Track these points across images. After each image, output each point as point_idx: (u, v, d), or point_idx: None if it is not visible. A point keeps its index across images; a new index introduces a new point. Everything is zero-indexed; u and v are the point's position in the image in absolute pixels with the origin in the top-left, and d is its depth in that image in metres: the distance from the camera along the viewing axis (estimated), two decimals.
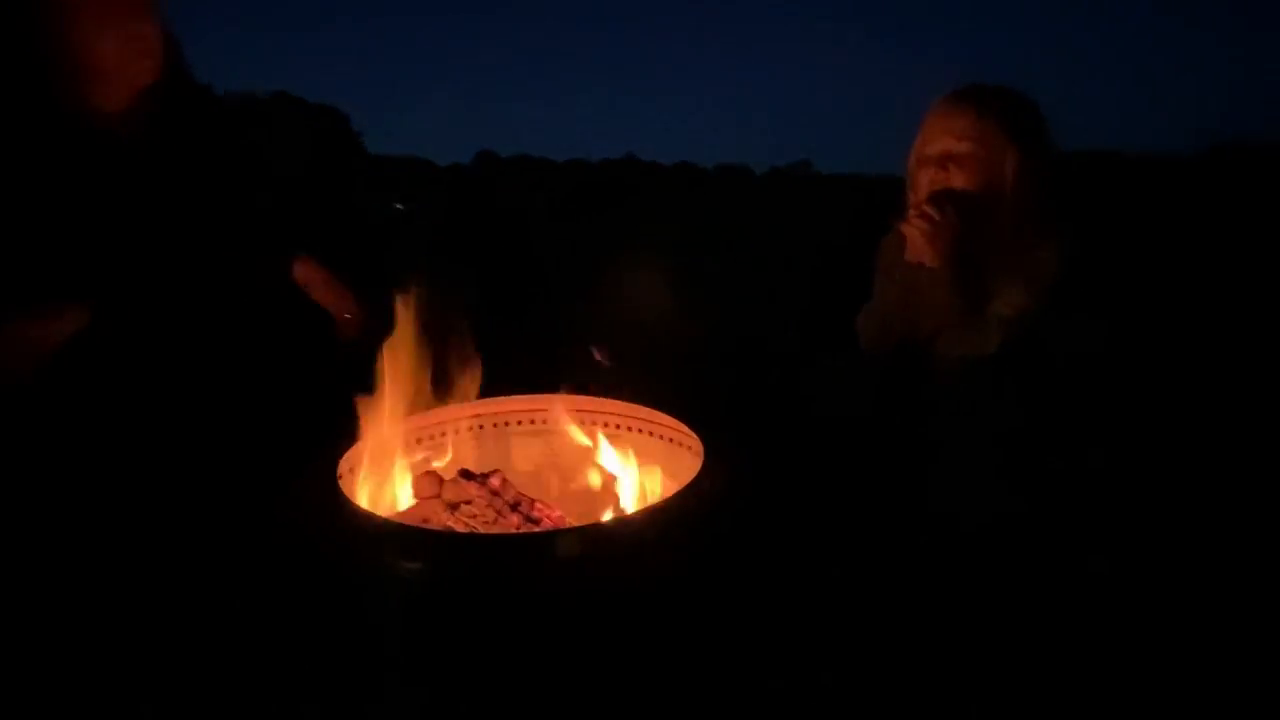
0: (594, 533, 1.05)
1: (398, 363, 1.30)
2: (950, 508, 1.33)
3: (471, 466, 1.32)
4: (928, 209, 1.42)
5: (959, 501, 1.33)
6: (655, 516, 1.04)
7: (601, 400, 1.46)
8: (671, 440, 1.36)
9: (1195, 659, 1.12)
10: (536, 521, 1.21)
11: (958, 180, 1.43)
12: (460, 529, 1.16)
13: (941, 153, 1.45)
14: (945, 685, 1.06)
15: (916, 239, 1.44)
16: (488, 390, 1.49)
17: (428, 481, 1.23)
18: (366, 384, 1.26)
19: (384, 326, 1.30)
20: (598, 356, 1.32)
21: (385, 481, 1.28)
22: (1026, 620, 1.16)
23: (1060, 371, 1.37)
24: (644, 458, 1.40)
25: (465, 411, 1.47)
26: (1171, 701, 1.07)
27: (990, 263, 1.44)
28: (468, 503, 1.20)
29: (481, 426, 1.49)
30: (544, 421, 1.50)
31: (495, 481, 1.24)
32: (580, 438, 1.41)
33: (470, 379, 1.42)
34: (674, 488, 1.12)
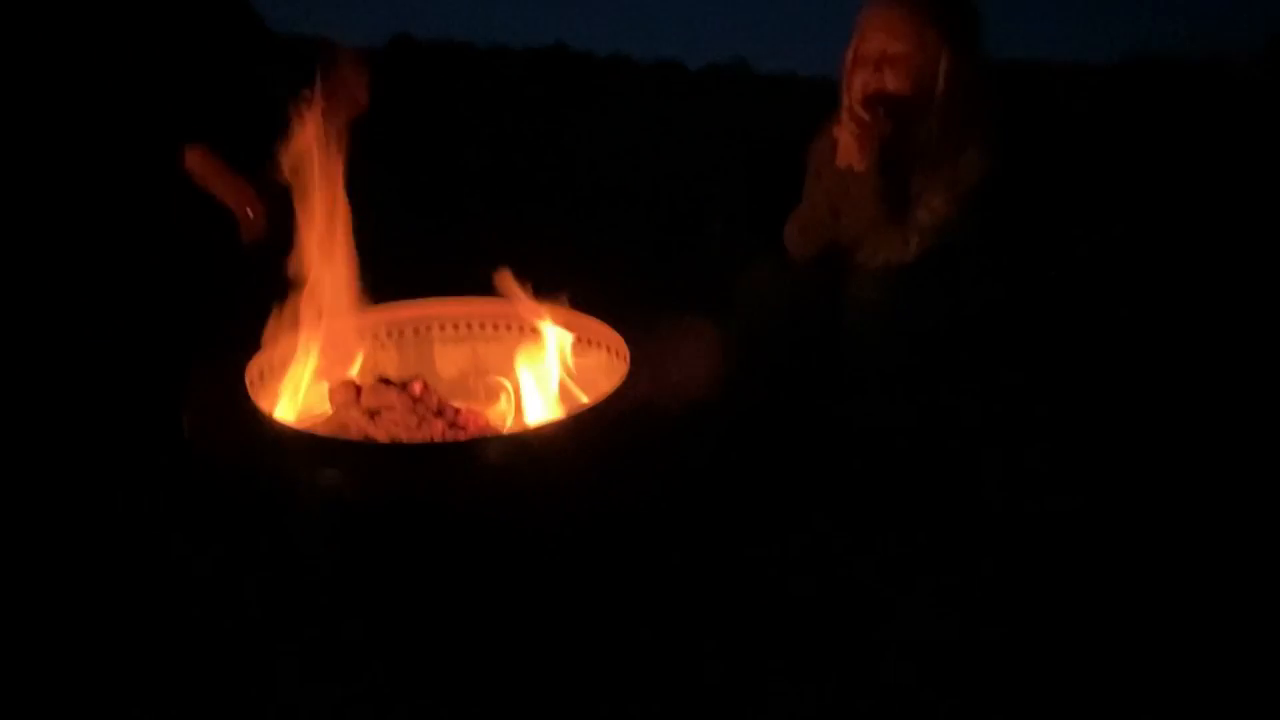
0: (520, 439, 1.04)
1: (308, 262, 1.21)
2: (861, 407, 1.39)
3: (392, 373, 1.28)
4: (859, 112, 1.41)
5: (869, 401, 1.39)
6: (581, 422, 1.04)
7: (530, 304, 1.43)
8: (599, 345, 1.35)
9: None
10: (461, 428, 1.19)
11: (891, 82, 1.43)
12: (381, 437, 1.13)
13: (877, 53, 1.44)
14: (871, 590, 1.11)
15: (848, 143, 1.43)
16: (408, 293, 1.42)
17: (344, 389, 1.19)
18: (273, 286, 1.18)
19: (288, 223, 1.21)
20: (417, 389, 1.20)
21: (298, 390, 1.23)
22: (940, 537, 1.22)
23: (974, 280, 1.42)
24: (574, 362, 1.39)
25: (384, 316, 1.41)
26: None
27: (915, 169, 1.45)
28: (388, 409, 1.17)
29: (402, 332, 1.44)
30: (469, 326, 1.46)
31: (416, 387, 1.20)
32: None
33: (385, 278, 1.35)
34: (601, 393, 1.12)
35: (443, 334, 1.46)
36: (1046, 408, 1.43)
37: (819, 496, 1.27)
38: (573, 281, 1.37)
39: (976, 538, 1.21)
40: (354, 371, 1.28)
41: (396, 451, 1.07)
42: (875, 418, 1.39)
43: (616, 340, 1.29)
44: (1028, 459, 1.35)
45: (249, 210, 1.52)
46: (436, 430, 1.17)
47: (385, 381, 1.20)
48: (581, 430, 1.03)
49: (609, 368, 1.30)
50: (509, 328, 1.45)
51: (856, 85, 1.45)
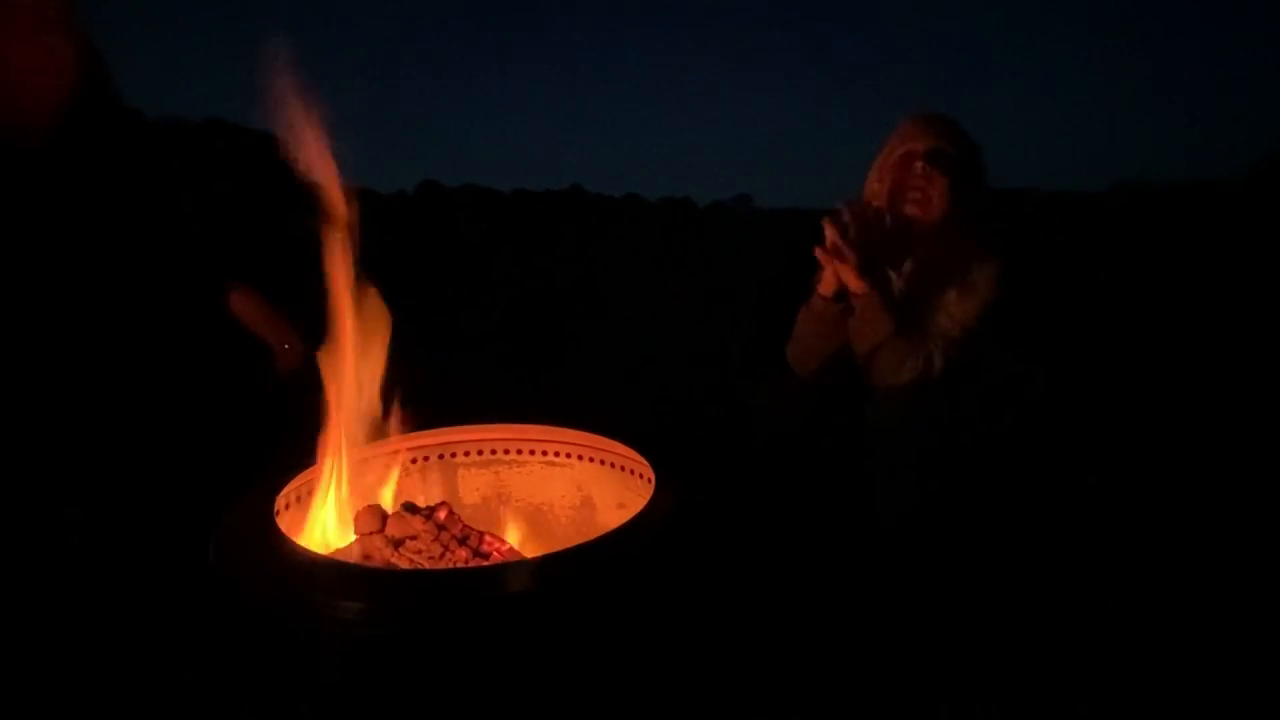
0: (545, 564, 1.03)
1: (338, 394, 1.25)
2: (882, 511, 1.37)
3: (417, 500, 1.28)
4: (842, 248, 1.49)
5: (891, 505, 1.37)
6: (607, 545, 1.03)
7: (552, 428, 1.45)
8: (623, 468, 1.36)
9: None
10: (485, 555, 1.17)
11: (937, 181, 1.49)
12: (404, 565, 1.12)
13: (926, 149, 1.51)
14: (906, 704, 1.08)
15: (838, 265, 1.49)
16: (433, 421, 1.45)
17: (370, 516, 1.19)
18: (304, 414, 1.21)
19: (321, 356, 1.26)
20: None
21: (325, 517, 1.23)
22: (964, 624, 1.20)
23: (994, 390, 1.43)
24: (595, 485, 1.39)
25: (409, 443, 1.43)
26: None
27: (931, 285, 1.51)
28: (412, 538, 1.16)
29: (426, 458, 1.45)
30: (492, 452, 1.47)
31: (441, 514, 1.20)
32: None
33: (411, 408, 1.39)
34: (626, 516, 1.11)
35: (466, 459, 1.48)
36: (1075, 513, 1.42)
37: (844, 610, 1.23)
38: (595, 406, 1.40)
39: (1007, 645, 1.19)
40: (380, 498, 1.28)
41: (419, 579, 1.05)
42: (901, 529, 1.36)
43: (640, 462, 1.30)
44: (1055, 565, 1.33)
45: (286, 344, 1.59)
46: (460, 558, 1.15)
47: (410, 508, 1.20)
48: (607, 554, 1.02)
49: (634, 489, 1.30)
50: (532, 453, 1.47)
51: (919, 171, 1.50)
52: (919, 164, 1.51)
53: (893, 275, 1.51)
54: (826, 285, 1.54)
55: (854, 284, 1.49)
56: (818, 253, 1.52)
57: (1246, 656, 1.18)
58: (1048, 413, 1.46)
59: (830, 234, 1.48)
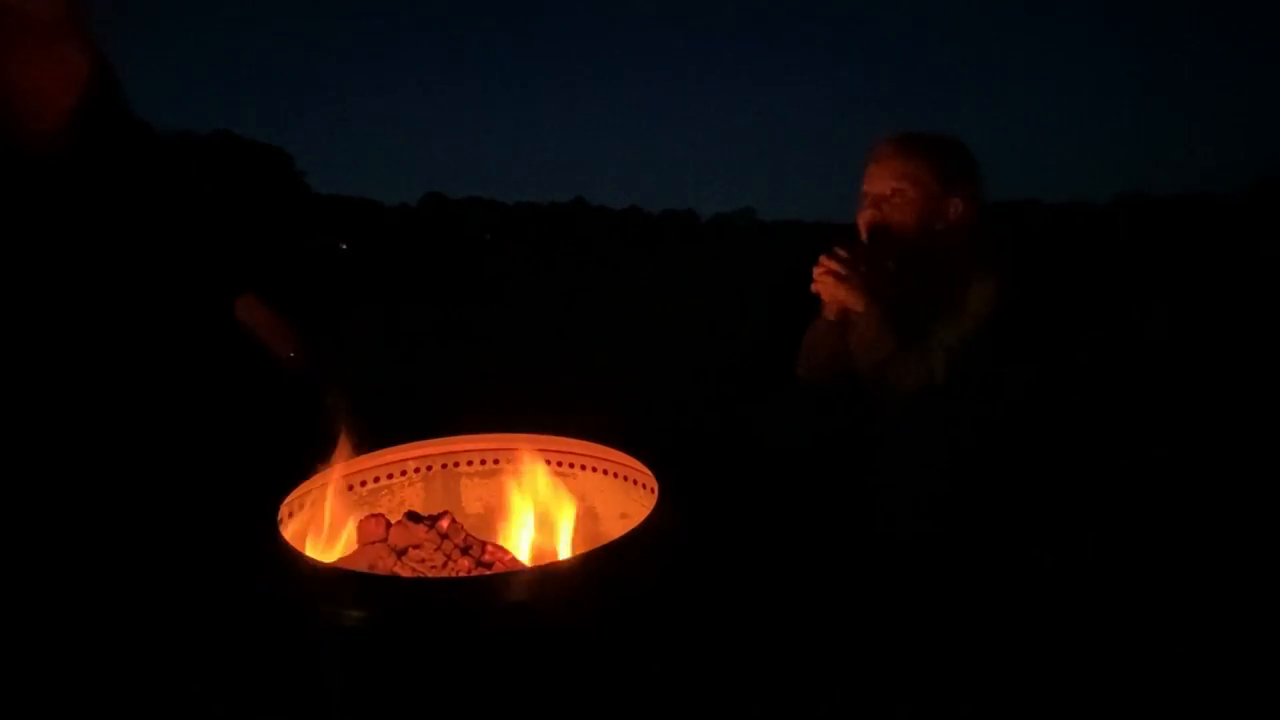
0: (547, 574, 1.03)
1: (342, 403, 1.26)
2: (888, 528, 1.36)
3: (420, 509, 1.28)
4: (829, 262, 1.48)
5: (896, 521, 1.37)
6: (610, 555, 1.02)
7: (555, 438, 1.44)
8: (626, 478, 1.35)
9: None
10: (488, 565, 1.17)
11: (893, 217, 1.51)
12: (407, 574, 1.11)
13: (878, 193, 1.53)
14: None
15: (833, 290, 1.49)
16: (437, 429, 1.45)
17: (373, 525, 1.19)
18: (310, 424, 1.22)
19: (328, 366, 1.27)
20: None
21: (329, 526, 1.23)
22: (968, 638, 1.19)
23: (997, 401, 1.43)
24: (598, 495, 1.39)
25: (413, 452, 1.43)
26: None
27: (930, 296, 1.50)
28: (416, 547, 1.16)
29: (430, 467, 1.45)
30: (496, 461, 1.47)
31: (444, 524, 1.20)
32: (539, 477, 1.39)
33: (415, 415, 1.39)
34: (628, 525, 1.11)
35: (470, 469, 1.47)
36: (1079, 522, 1.42)
37: (848, 620, 1.23)
38: (598, 415, 1.40)
39: (1017, 655, 1.18)
40: (383, 507, 1.28)
41: (422, 588, 1.05)
42: (906, 538, 1.35)
43: (643, 472, 1.29)
44: (1061, 574, 1.33)
45: (291, 354, 1.59)
46: (463, 567, 1.15)
47: (414, 517, 1.20)
48: (610, 564, 1.01)
49: (636, 500, 1.30)
50: (534, 462, 1.46)
51: (860, 224, 1.54)
52: (881, 207, 1.52)
53: (893, 290, 1.51)
54: (830, 309, 1.53)
55: (855, 305, 1.49)
56: (814, 288, 1.52)
57: (1250, 658, 1.17)
58: (1051, 422, 1.45)
59: (826, 261, 1.49)
